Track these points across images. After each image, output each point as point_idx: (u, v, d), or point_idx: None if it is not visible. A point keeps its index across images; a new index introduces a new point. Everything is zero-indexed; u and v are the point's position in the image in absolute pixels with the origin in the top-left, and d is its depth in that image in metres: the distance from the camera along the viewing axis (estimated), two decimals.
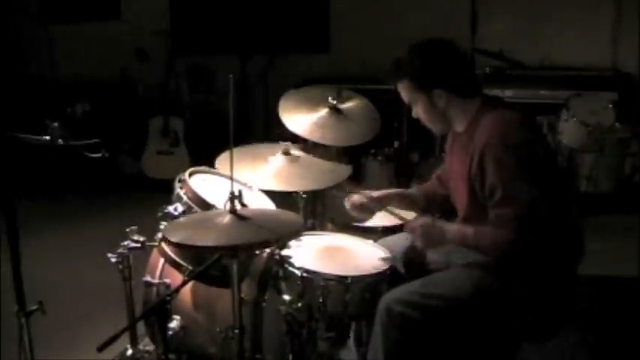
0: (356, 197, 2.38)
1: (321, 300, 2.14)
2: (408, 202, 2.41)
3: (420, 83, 2.10)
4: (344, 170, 2.56)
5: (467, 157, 2.03)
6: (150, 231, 2.31)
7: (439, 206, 2.44)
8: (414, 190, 2.49)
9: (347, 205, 2.39)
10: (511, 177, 1.91)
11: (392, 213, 2.38)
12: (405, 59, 2.13)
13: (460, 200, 2.15)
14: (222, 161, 2.42)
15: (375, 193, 2.38)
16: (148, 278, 2.36)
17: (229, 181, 1.93)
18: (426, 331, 2.02)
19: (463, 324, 2.04)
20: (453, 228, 2.08)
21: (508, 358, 2.11)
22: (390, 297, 2.05)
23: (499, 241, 1.94)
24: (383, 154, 4.54)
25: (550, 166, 2.07)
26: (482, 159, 1.96)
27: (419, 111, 2.16)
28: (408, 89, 2.13)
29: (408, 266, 2.29)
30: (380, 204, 2.38)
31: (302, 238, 2.39)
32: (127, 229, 2.30)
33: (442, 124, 2.17)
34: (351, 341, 2.36)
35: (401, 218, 2.31)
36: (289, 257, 2.20)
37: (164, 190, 2.44)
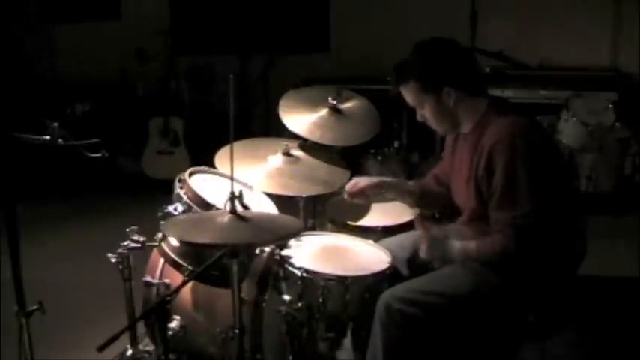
0: (353, 183, 2.40)
1: (321, 300, 2.14)
2: (403, 193, 2.41)
3: (428, 83, 2.06)
4: (342, 175, 2.56)
5: (474, 159, 2.02)
6: (150, 231, 2.30)
7: (433, 204, 2.45)
8: (411, 183, 2.49)
9: (345, 194, 2.41)
10: (515, 183, 1.91)
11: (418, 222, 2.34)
12: (410, 60, 2.09)
13: (464, 201, 2.15)
14: (221, 157, 2.43)
15: (374, 179, 2.41)
16: (148, 278, 2.35)
17: (229, 181, 1.93)
18: (425, 329, 2.02)
19: (462, 321, 2.04)
20: (457, 245, 2.08)
21: (508, 357, 2.11)
22: (388, 294, 2.05)
23: (497, 249, 1.95)
24: (383, 154, 4.54)
25: (557, 170, 2.06)
26: (490, 162, 1.95)
27: (426, 113, 2.12)
28: (415, 91, 2.09)
29: (412, 268, 2.29)
30: (378, 189, 2.39)
31: (302, 238, 2.39)
32: (127, 229, 2.30)
33: (450, 125, 2.13)
34: (348, 341, 2.36)
35: (421, 224, 2.25)
36: (289, 257, 2.19)
37: (164, 190, 2.44)
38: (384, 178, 2.44)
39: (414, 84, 2.08)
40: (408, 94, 2.12)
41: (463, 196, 2.14)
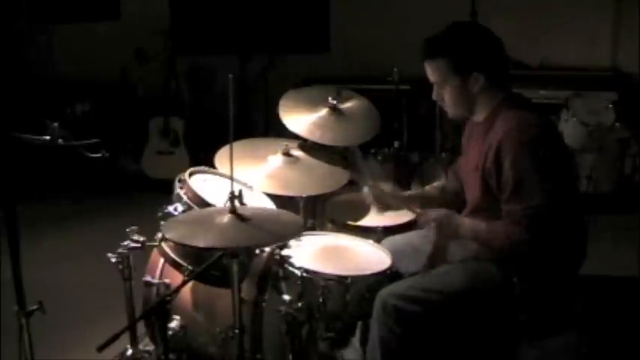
0: (379, 191, 2.36)
1: (321, 300, 2.14)
2: (426, 202, 2.35)
3: (460, 64, 2.01)
4: (342, 175, 2.56)
5: (482, 149, 2.02)
6: (150, 231, 2.30)
7: (458, 201, 2.38)
8: (428, 188, 2.49)
9: (369, 196, 2.38)
10: (525, 174, 1.91)
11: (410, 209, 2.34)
12: (446, 37, 2.04)
13: (471, 191, 2.14)
14: (221, 157, 2.43)
15: (402, 195, 2.40)
16: (148, 278, 2.35)
17: (229, 181, 1.93)
18: (422, 326, 2.02)
19: (460, 318, 2.04)
20: (466, 223, 2.07)
21: (507, 357, 2.11)
22: (385, 292, 2.05)
23: (512, 240, 1.92)
24: (383, 154, 4.54)
25: (565, 167, 2.05)
26: (498, 154, 1.94)
27: (445, 92, 2.08)
28: (442, 69, 2.04)
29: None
30: (402, 203, 2.35)
31: (302, 238, 2.39)
32: (127, 229, 2.30)
33: (465, 110, 2.11)
34: (356, 340, 2.36)
35: (416, 212, 2.24)
36: (289, 257, 2.20)
37: (164, 190, 2.44)
38: (411, 194, 2.45)
39: (444, 62, 2.03)
40: (433, 70, 2.07)
41: (470, 185, 2.14)
